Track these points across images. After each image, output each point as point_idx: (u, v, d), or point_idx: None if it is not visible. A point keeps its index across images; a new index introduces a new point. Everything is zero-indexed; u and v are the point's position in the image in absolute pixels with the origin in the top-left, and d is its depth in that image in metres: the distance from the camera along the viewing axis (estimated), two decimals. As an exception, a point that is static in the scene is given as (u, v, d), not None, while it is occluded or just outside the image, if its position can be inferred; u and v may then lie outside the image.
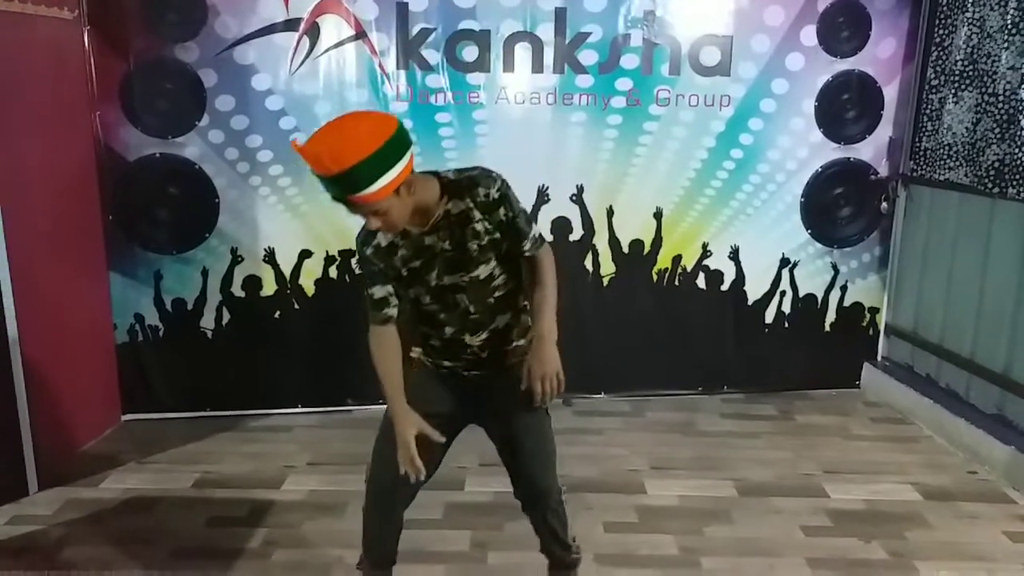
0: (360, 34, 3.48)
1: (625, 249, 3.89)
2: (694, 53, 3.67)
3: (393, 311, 2.00)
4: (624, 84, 3.66)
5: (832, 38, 3.73)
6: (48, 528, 2.81)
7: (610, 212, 3.84)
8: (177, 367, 3.72)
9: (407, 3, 3.47)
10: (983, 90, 3.31)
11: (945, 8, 3.55)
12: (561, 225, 3.80)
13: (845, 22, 3.73)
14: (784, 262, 4.01)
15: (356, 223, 1.88)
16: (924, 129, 3.71)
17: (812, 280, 4.05)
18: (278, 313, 3.74)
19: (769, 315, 4.06)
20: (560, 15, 3.55)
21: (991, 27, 3.27)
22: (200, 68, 3.41)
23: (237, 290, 3.69)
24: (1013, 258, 3.27)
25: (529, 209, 3.68)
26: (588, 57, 3.62)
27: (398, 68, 3.54)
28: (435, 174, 1.91)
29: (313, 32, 3.45)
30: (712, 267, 3.97)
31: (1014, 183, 3.15)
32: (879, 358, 4.19)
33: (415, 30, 3.50)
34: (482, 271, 1.95)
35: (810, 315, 4.09)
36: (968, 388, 3.55)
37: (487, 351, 2.04)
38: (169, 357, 3.70)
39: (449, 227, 1.90)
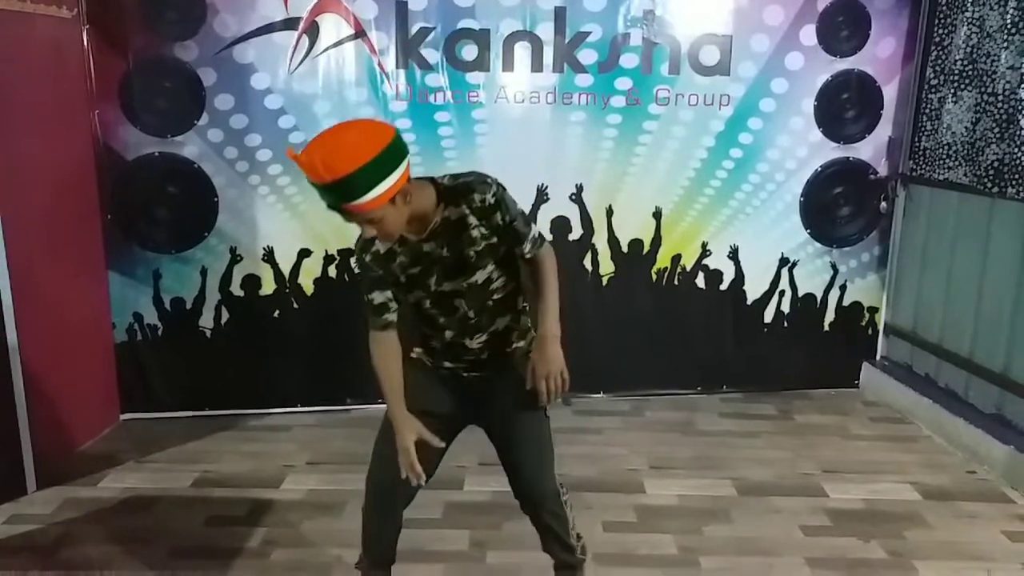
0: (359, 33, 3.48)
1: (624, 248, 3.89)
2: (694, 52, 3.67)
3: (393, 316, 2.00)
4: (624, 83, 3.66)
5: (832, 37, 3.73)
6: (47, 527, 2.81)
7: (609, 211, 3.84)
8: (176, 366, 3.72)
9: (406, 2, 3.47)
10: (982, 90, 3.31)
11: (945, 8, 3.55)
12: (560, 224, 3.80)
13: (844, 21, 3.73)
14: (783, 261, 4.01)
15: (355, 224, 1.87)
16: (923, 129, 3.71)
17: (811, 279, 4.05)
18: (277, 312, 3.74)
19: (768, 314, 4.06)
20: (560, 14, 3.55)
21: (991, 27, 3.27)
22: (199, 67, 3.41)
23: (236, 289, 3.68)
24: (1012, 258, 3.27)
25: (528, 208, 3.69)
26: (587, 56, 3.62)
27: (397, 67, 3.53)
28: (431, 180, 1.90)
29: (312, 31, 3.45)
30: (711, 266, 3.97)
31: (1013, 183, 3.15)
32: (878, 358, 4.19)
33: (414, 29, 3.50)
34: (479, 276, 1.94)
35: (809, 315, 4.09)
36: (967, 388, 3.55)
37: (487, 353, 2.05)
38: (168, 356, 3.70)
39: (446, 234, 1.90)
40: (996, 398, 3.37)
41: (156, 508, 2.96)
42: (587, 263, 3.88)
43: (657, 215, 3.87)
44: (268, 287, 3.71)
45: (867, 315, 4.15)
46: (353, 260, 3.64)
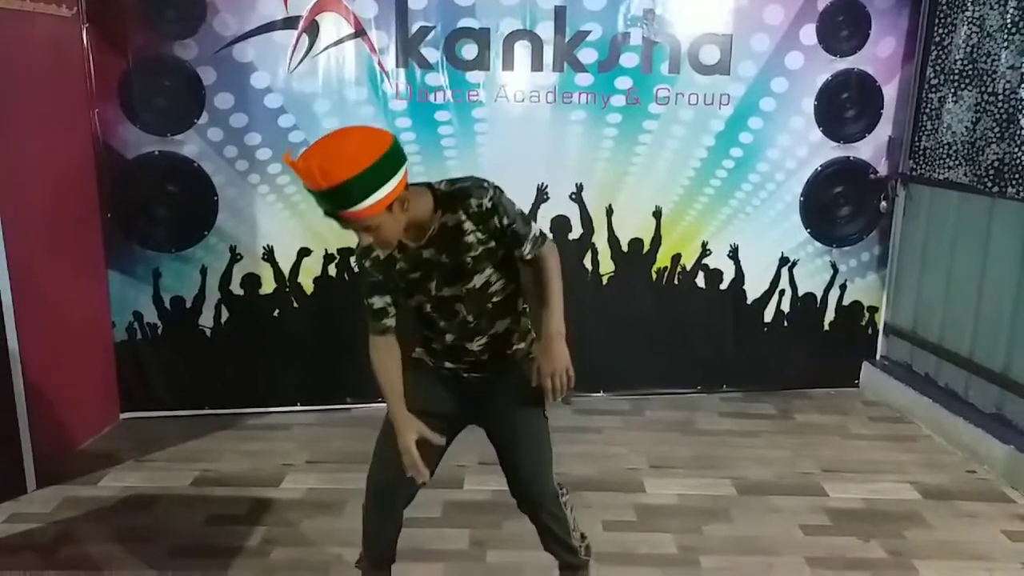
0: (359, 32, 3.48)
1: (624, 248, 3.89)
2: (694, 52, 3.67)
3: (391, 321, 2.00)
4: (624, 83, 3.66)
5: (832, 37, 3.72)
6: (46, 526, 2.80)
7: (609, 211, 3.84)
8: (176, 365, 3.72)
9: (406, 1, 3.46)
10: (983, 89, 3.31)
11: (945, 7, 3.55)
12: (560, 224, 3.80)
13: (845, 21, 3.73)
14: (783, 261, 4.01)
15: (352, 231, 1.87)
16: (923, 128, 3.71)
17: (811, 279, 4.05)
18: (277, 311, 3.74)
19: (768, 314, 4.06)
20: (560, 13, 3.55)
21: (991, 26, 3.27)
22: (199, 66, 3.41)
23: (236, 288, 3.68)
24: (1012, 257, 3.27)
25: (528, 208, 3.68)
26: (588, 55, 3.62)
27: (397, 66, 3.53)
28: (428, 186, 1.90)
29: (312, 30, 3.45)
30: (711, 266, 3.97)
31: (1013, 182, 3.15)
32: (878, 357, 4.19)
33: (414, 28, 3.50)
34: (477, 281, 1.95)
35: (809, 314, 4.09)
36: (967, 387, 3.55)
37: (487, 354, 2.05)
38: (168, 355, 3.70)
39: (445, 240, 1.90)
40: (996, 398, 3.37)
41: (156, 507, 2.96)
42: (587, 262, 3.88)
43: (657, 214, 3.87)
44: (268, 286, 3.71)
45: (867, 315, 4.15)
46: (353, 260, 3.64)
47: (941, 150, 3.58)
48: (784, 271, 4.02)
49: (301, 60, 3.46)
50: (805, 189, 3.92)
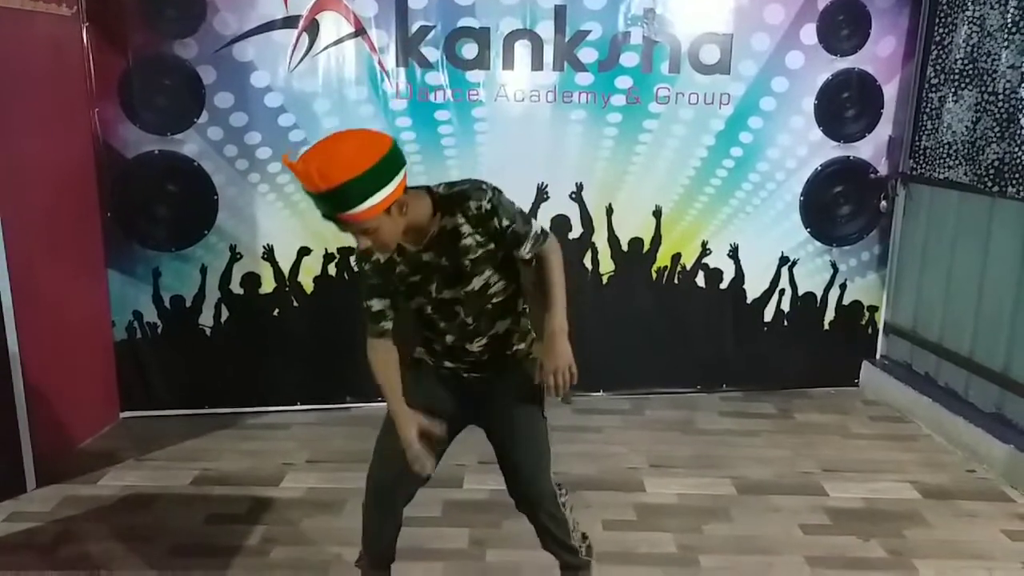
0: (359, 31, 3.47)
1: (624, 247, 3.89)
2: (694, 51, 3.66)
3: (389, 324, 2.01)
4: (624, 82, 3.66)
5: (832, 36, 3.72)
6: (46, 525, 2.81)
7: (609, 210, 3.83)
8: (175, 364, 3.72)
9: (406, 0, 3.46)
10: (983, 89, 3.31)
11: (945, 6, 3.55)
12: (560, 223, 3.80)
13: (845, 20, 3.72)
14: (783, 260, 4.01)
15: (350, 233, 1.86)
16: (924, 128, 3.71)
17: (811, 278, 4.05)
18: (277, 311, 3.74)
19: (768, 313, 4.06)
20: (560, 13, 3.55)
21: (991, 26, 3.27)
22: (199, 65, 3.41)
23: (236, 287, 3.68)
24: (1012, 257, 3.27)
25: (528, 207, 3.68)
26: (588, 55, 3.61)
27: (397, 65, 3.53)
28: (427, 190, 1.89)
29: (312, 29, 3.44)
30: (711, 265, 3.97)
31: (1014, 182, 3.15)
32: (878, 356, 4.19)
33: (415, 27, 3.49)
34: (476, 283, 1.95)
35: (809, 313, 4.09)
36: (967, 387, 3.55)
37: (487, 355, 2.06)
38: (167, 354, 3.70)
39: (444, 243, 1.90)
40: (996, 397, 3.37)
41: (156, 506, 2.96)
42: (587, 262, 3.88)
43: (657, 214, 3.87)
44: (268, 285, 3.71)
45: (867, 314, 4.15)
46: (353, 259, 3.64)
47: (941, 149, 3.58)
48: (784, 270, 4.02)
49: (301, 59, 3.46)
50: (805, 188, 3.92)
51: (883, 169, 3.94)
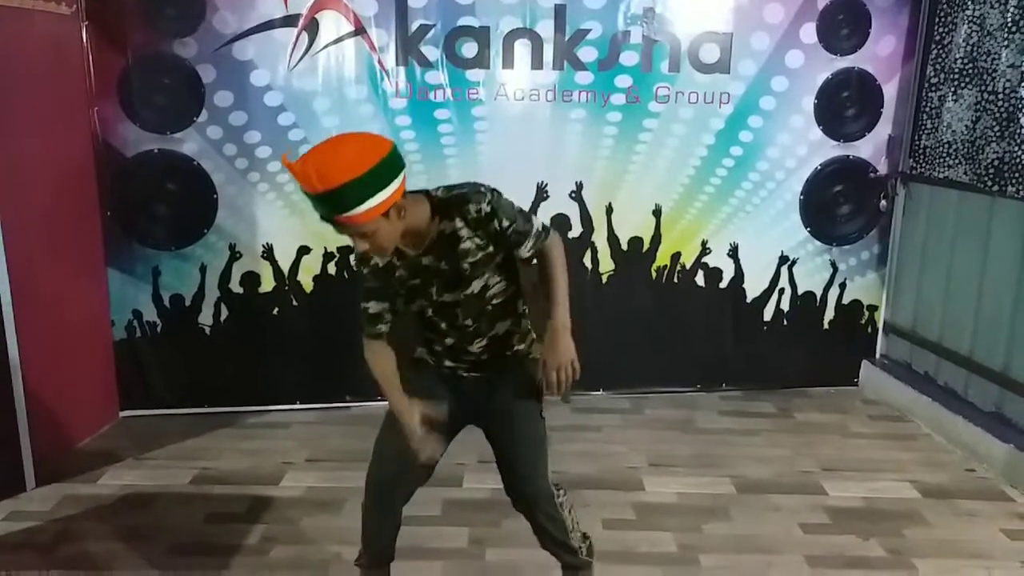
0: (359, 30, 3.47)
1: (624, 246, 3.89)
2: (694, 50, 3.66)
3: (385, 327, 2.01)
4: (624, 81, 3.66)
5: (832, 36, 3.72)
6: (45, 524, 2.80)
7: (609, 209, 3.83)
8: (175, 363, 3.71)
9: (406, -1, 3.47)
10: (983, 88, 3.31)
11: (945, 6, 3.55)
12: (560, 222, 3.79)
13: (845, 20, 3.72)
14: (783, 260, 4.01)
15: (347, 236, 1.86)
16: (923, 127, 3.70)
17: (811, 278, 4.05)
18: (276, 309, 3.74)
19: (768, 312, 4.06)
20: (560, 12, 3.54)
21: (991, 25, 3.27)
22: (198, 64, 3.40)
23: (235, 286, 3.68)
24: (1012, 256, 3.27)
25: (528, 206, 3.68)
26: (587, 54, 3.61)
27: (397, 64, 3.53)
28: (426, 193, 1.89)
29: (312, 28, 3.44)
30: (711, 264, 3.97)
31: (1013, 181, 3.15)
32: (878, 356, 4.19)
33: (414, 26, 3.49)
34: (476, 286, 1.95)
35: (809, 313, 4.09)
36: (966, 386, 3.55)
37: (487, 355, 2.06)
38: (167, 353, 3.70)
39: (443, 247, 1.89)
40: (995, 396, 3.37)
41: (155, 505, 2.96)
42: (587, 261, 3.88)
43: (657, 213, 3.87)
44: (267, 284, 3.71)
45: (867, 313, 4.15)
46: (353, 258, 3.64)
47: (941, 149, 3.58)
48: (784, 270, 4.02)
49: (301, 58, 3.46)
50: (805, 188, 3.92)
51: (883, 168, 3.94)
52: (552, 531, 2.17)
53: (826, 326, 4.12)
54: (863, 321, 4.16)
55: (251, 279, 3.69)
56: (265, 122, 3.50)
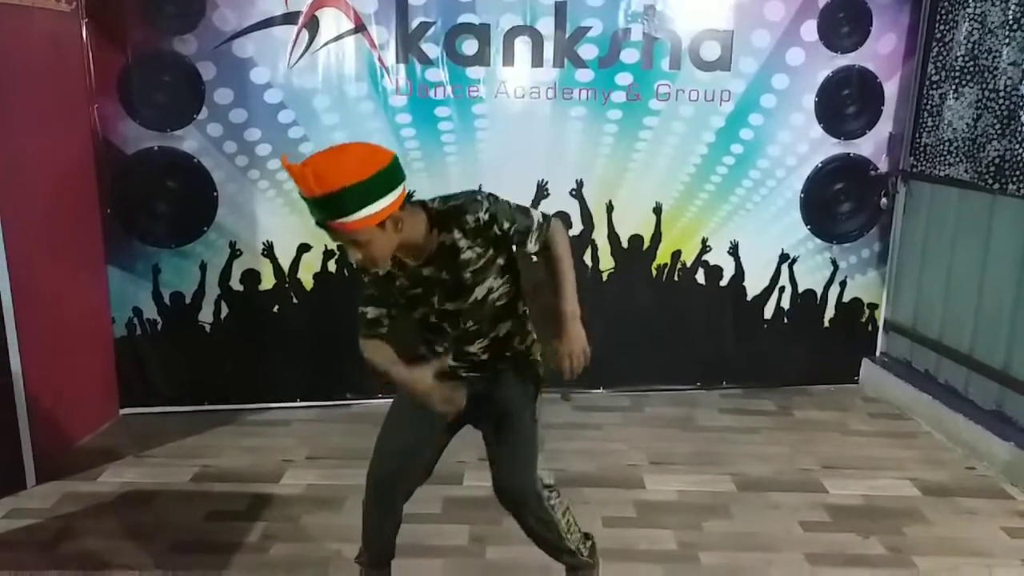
0: (359, 27, 3.47)
1: (624, 244, 3.89)
2: (694, 48, 3.66)
3: (383, 331, 2.00)
4: (624, 79, 3.66)
5: (833, 33, 3.72)
6: (46, 522, 2.81)
7: (609, 207, 3.83)
8: (175, 361, 3.71)
9: (407, -3, 3.46)
10: (984, 86, 3.31)
11: (946, 4, 3.54)
12: (560, 220, 3.79)
13: (846, 17, 3.72)
14: (783, 258, 4.00)
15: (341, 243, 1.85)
16: (924, 125, 3.70)
17: (811, 276, 4.05)
18: (276, 307, 3.74)
19: (768, 310, 4.06)
20: (560, 9, 3.54)
21: (992, 23, 3.27)
22: (198, 61, 3.40)
23: (235, 284, 3.68)
24: (1013, 254, 3.27)
25: (528, 204, 3.66)
26: (588, 51, 3.61)
27: (397, 62, 3.52)
28: (423, 205, 1.87)
29: (312, 25, 3.44)
30: (711, 262, 3.97)
31: (1014, 179, 3.15)
32: (878, 354, 4.19)
33: (415, 24, 3.49)
34: (479, 293, 1.94)
35: (809, 311, 4.09)
36: (967, 384, 3.55)
37: (488, 355, 2.06)
38: (167, 351, 3.70)
39: (443, 259, 1.89)
40: (996, 394, 3.37)
41: (155, 502, 2.97)
42: (587, 259, 3.87)
43: (657, 211, 3.87)
44: (268, 282, 3.71)
45: (867, 311, 4.15)
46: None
47: (942, 147, 3.58)
48: (784, 268, 4.02)
49: (301, 56, 3.46)
50: (805, 186, 3.91)
51: (883, 166, 3.94)
52: (543, 533, 2.16)
53: (826, 324, 4.12)
54: (863, 319, 4.16)
55: (251, 277, 3.69)
56: (265, 119, 3.49)
